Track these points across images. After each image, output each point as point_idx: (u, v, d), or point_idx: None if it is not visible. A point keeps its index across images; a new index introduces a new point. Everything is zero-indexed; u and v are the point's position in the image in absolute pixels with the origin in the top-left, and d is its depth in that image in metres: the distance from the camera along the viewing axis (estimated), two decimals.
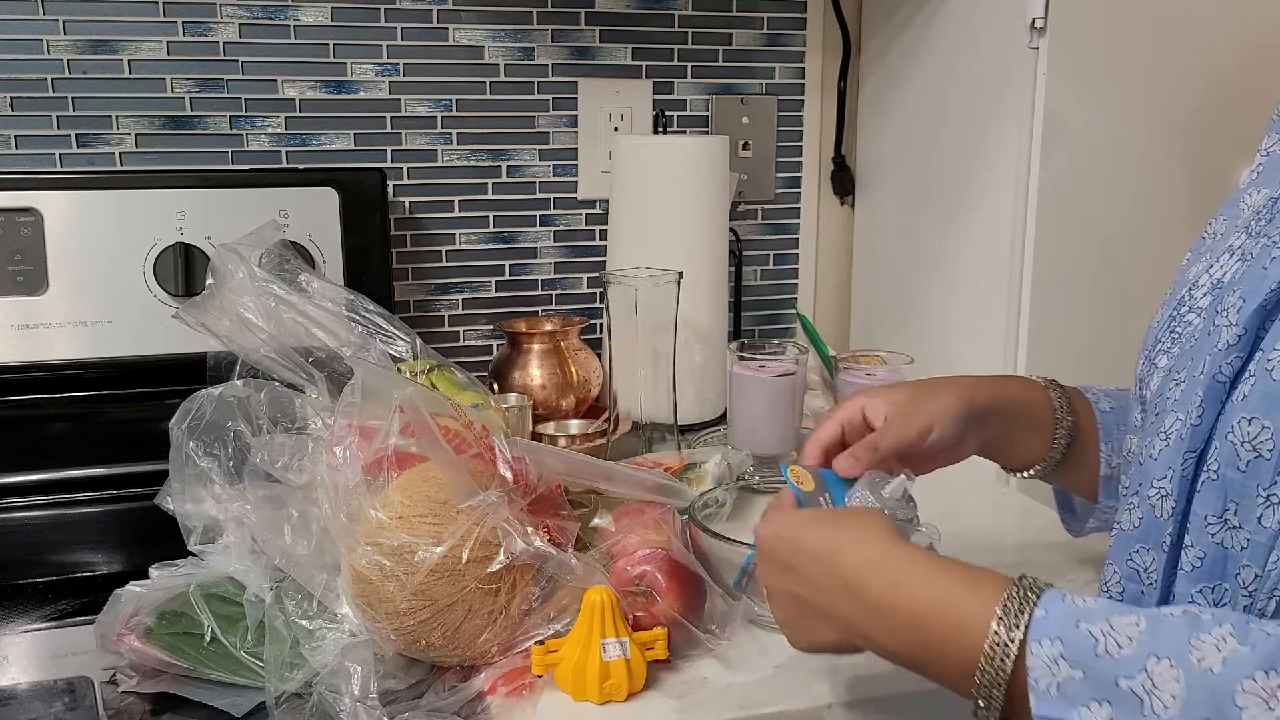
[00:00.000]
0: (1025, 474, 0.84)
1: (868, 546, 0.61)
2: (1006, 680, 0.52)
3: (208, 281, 0.86)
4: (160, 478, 0.82)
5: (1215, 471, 0.56)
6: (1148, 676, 0.47)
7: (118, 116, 1.24)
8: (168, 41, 1.24)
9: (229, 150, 1.28)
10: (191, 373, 0.86)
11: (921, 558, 0.59)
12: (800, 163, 1.48)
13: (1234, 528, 0.56)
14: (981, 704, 0.53)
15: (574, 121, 1.38)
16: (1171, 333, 0.66)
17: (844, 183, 1.48)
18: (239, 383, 0.83)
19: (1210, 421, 0.57)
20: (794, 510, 0.69)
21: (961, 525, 0.95)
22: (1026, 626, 0.51)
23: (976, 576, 0.57)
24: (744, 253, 1.46)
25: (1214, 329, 0.59)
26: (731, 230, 1.36)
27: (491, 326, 1.39)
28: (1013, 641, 0.52)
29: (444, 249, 1.37)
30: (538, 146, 1.38)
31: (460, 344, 1.39)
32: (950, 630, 0.55)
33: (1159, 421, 0.62)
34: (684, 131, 1.42)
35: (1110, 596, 0.64)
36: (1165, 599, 0.61)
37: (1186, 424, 0.58)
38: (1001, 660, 0.52)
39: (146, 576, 0.81)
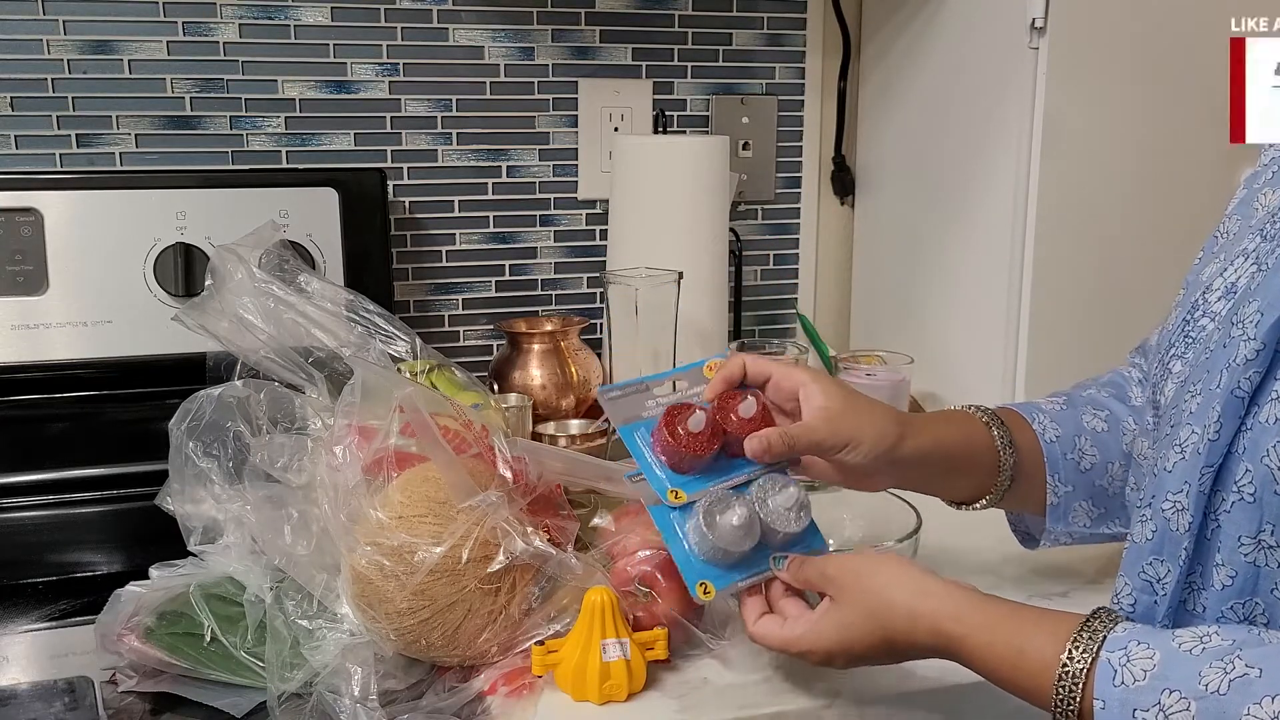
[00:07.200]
0: (967, 508, 0.84)
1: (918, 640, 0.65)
2: None
3: (207, 282, 0.86)
4: (160, 478, 0.82)
5: (1251, 495, 0.56)
6: None
7: (118, 116, 1.24)
8: (168, 41, 1.24)
9: (229, 150, 1.28)
10: (191, 373, 0.86)
11: (975, 646, 0.62)
12: (800, 163, 1.48)
13: (1270, 547, 0.56)
14: None
15: (574, 121, 1.38)
16: (1185, 337, 0.65)
17: (844, 183, 1.48)
18: (239, 383, 0.83)
19: (1229, 437, 0.57)
20: (817, 624, 0.69)
21: (961, 527, 0.95)
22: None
23: (1023, 661, 0.59)
24: (744, 253, 1.46)
25: (1230, 340, 0.58)
26: (731, 230, 1.36)
27: (491, 326, 1.39)
28: None
29: (444, 249, 1.37)
30: (538, 146, 1.38)
31: (460, 344, 1.39)
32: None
33: (1174, 433, 0.61)
34: (684, 131, 1.42)
35: (1122, 609, 0.63)
36: (1177, 610, 0.61)
37: (1204, 439, 0.58)
38: None
39: (146, 576, 0.81)
